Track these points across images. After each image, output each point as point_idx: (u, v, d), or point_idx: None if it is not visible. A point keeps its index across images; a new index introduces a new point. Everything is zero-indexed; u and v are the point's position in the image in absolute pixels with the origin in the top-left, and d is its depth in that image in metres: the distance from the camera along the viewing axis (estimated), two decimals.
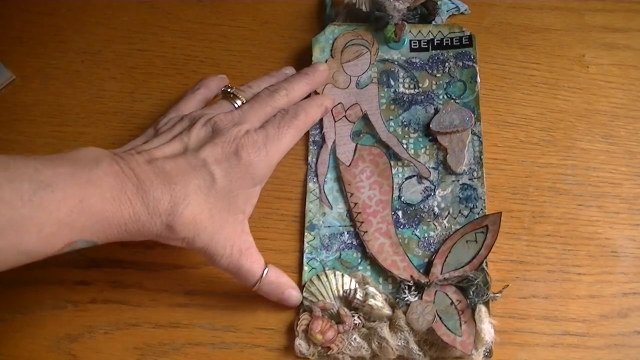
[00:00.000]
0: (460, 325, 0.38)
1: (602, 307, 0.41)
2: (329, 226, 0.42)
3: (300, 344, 0.38)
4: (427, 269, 0.41)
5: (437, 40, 0.47)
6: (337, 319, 0.39)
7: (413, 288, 0.40)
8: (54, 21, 0.50)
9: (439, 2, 0.48)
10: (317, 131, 0.45)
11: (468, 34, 0.46)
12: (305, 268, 0.41)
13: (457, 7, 0.49)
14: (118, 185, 0.32)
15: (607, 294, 0.41)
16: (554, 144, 0.45)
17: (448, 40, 0.46)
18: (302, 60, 0.48)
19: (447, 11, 0.49)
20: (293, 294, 0.39)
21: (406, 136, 0.44)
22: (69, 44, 0.49)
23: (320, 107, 0.43)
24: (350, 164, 0.44)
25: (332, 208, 0.43)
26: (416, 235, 0.42)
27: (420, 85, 0.46)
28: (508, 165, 0.45)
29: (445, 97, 0.45)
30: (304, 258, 0.41)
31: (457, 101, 0.45)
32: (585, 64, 0.48)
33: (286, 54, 0.49)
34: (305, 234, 0.42)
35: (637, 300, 0.41)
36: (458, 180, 0.43)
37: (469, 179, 0.43)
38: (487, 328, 0.38)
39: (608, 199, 0.44)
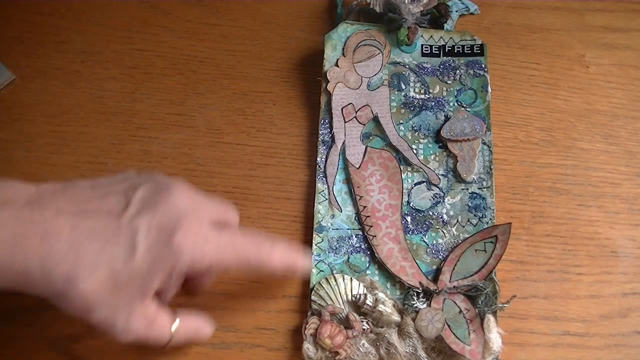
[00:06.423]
0: (469, 334, 0.38)
1: (602, 307, 0.41)
2: (337, 229, 0.42)
3: (308, 347, 0.38)
4: (435, 276, 0.40)
5: (448, 46, 0.46)
6: (346, 323, 0.39)
7: (422, 295, 0.40)
8: (54, 21, 0.50)
9: (449, 3, 0.48)
10: (327, 131, 0.45)
11: (480, 42, 0.46)
12: (313, 270, 0.41)
13: (467, 7, 0.49)
14: (19, 235, 0.28)
15: (607, 294, 0.41)
16: (554, 144, 0.45)
17: (459, 47, 0.46)
18: (313, 60, 0.48)
19: (457, 11, 0.49)
20: (204, 335, 0.37)
21: (416, 141, 0.44)
22: (69, 44, 0.49)
23: (287, 263, 0.36)
24: (359, 166, 0.43)
25: (341, 211, 0.43)
26: (424, 241, 0.42)
27: (430, 90, 0.46)
28: (508, 165, 0.45)
29: (456, 104, 0.45)
30: (312, 260, 0.41)
31: (467, 109, 0.45)
32: (585, 64, 0.48)
33: (286, 54, 0.49)
34: (314, 235, 0.42)
35: (637, 300, 0.41)
36: (467, 189, 0.43)
37: (479, 188, 0.43)
38: (495, 337, 0.37)
39: (608, 199, 0.44)
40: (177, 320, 0.34)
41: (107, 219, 0.31)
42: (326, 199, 0.43)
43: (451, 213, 0.42)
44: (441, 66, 0.46)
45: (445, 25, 0.47)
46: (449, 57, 0.46)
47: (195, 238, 0.32)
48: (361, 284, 0.40)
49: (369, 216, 0.42)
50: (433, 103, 0.45)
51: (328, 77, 0.45)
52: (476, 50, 0.46)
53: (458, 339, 0.38)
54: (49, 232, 0.29)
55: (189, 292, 0.38)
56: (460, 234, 0.42)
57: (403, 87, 0.46)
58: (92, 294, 0.30)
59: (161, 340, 0.34)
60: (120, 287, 0.30)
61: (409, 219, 0.42)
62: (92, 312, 0.30)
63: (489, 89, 0.45)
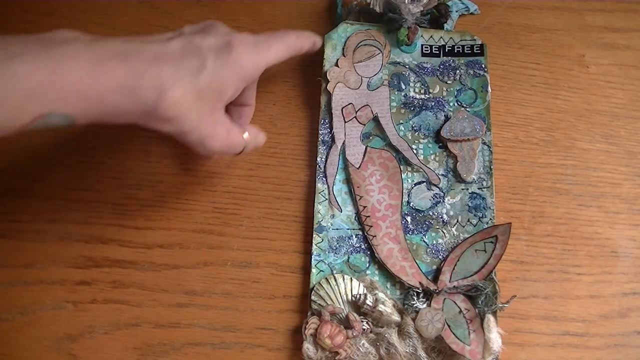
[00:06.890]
0: (469, 334, 0.38)
1: (602, 307, 0.41)
2: (337, 229, 0.42)
3: (309, 347, 0.38)
4: (435, 276, 0.41)
5: (448, 46, 0.46)
6: (346, 323, 0.39)
7: (422, 295, 0.40)
8: (54, 21, 0.50)
9: (449, 3, 0.48)
10: (327, 131, 0.45)
11: (479, 42, 0.46)
12: (313, 270, 0.41)
13: (467, 7, 0.49)
14: (98, 57, 0.30)
15: (607, 294, 0.41)
16: (554, 144, 0.45)
17: (459, 47, 0.46)
18: (313, 60, 0.48)
19: (457, 11, 0.49)
20: (262, 141, 0.41)
21: (416, 141, 0.44)
22: None
23: (309, 38, 0.41)
24: (359, 166, 0.43)
25: (341, 211, 0.43)
26: (424, 241, 0.42)
27: (430, 90, 0.45)
28: (508, 165, 0.45)
29: (456, 104, 0.45)
30: (312, 260, 0.41)
31: (467, 109, 0.44)
32: (585, 64, 0.48)
33: None
34: (314, 235, 0.42)
35: (637, 300, 0.41)
36: (467, 189, 0.43)
37: (478, 188, 0.43)
38: (495, 337, 0.38)
39: (608, 199, 0.44)
40: (246, 133, 0.38)
41: (170, 44, 0.33)
42: (326, 199, 0.43)
43: (451, 213, 0.42)
44: (441, 66, 0.46)
45: (445, 25, 0.47)
46: (449, 57, 0.46)
47: (248, 48, 0.36)
48: (361, 284, 0.40)
49: (369, 216, 0.42)
50: (433, 103, 0.45)
51: (328, 77, 0.45)
52: (476, 50, 0.46)
53: (458, 339, 0.38)
54: (126, 53, 0.31)
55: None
56: (460, 234, 0.42)
57: (403, 87, 0.46)
58: (180, 101, 0.32)
59: (239, 147, 0.37)
60: (201, 95, 0.33)
61: (409, 219, 0.42)
62: (183, 121, 0.33)
63: (489, 89, 0.45)
